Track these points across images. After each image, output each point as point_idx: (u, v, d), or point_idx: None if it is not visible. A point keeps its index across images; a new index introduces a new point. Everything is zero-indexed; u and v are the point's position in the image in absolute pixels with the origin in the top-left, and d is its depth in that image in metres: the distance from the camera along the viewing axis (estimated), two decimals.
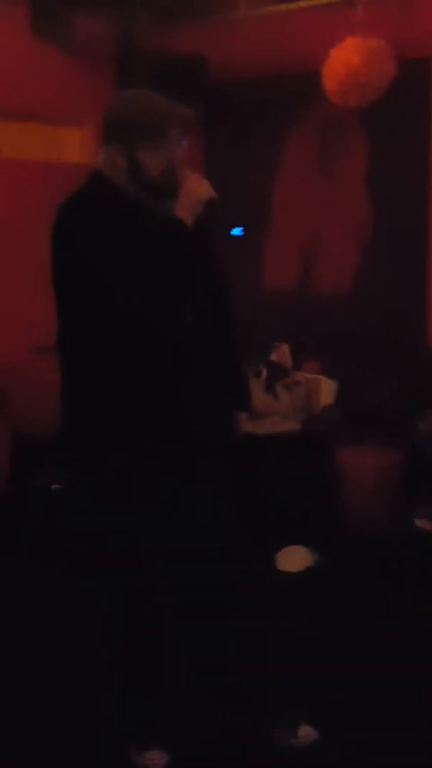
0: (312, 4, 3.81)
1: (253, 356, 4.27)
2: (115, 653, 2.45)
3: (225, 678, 2.49)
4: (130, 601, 2.38)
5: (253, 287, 4.55)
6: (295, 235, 4.47)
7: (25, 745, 2.55)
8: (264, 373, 4.23)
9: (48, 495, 4.12)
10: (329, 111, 4.04)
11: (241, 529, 2.47)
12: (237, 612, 2.44)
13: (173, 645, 2.46)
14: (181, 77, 3.75)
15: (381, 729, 2.57)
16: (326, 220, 4.38)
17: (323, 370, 4.23)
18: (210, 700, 2.52)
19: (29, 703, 2.75)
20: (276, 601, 3.27)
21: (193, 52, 4.35)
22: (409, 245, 4.08)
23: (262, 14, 3.94)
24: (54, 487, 4.13)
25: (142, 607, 2.38)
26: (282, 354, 4.39)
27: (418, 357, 4.03)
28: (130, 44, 4.50)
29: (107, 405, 2.24)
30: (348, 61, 3.56)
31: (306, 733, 2.48)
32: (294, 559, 3.69)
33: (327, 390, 4.18)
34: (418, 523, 3.55)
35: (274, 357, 4.37)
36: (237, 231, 2.36)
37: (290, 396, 4.20)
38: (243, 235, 2.34)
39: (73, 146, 4.79)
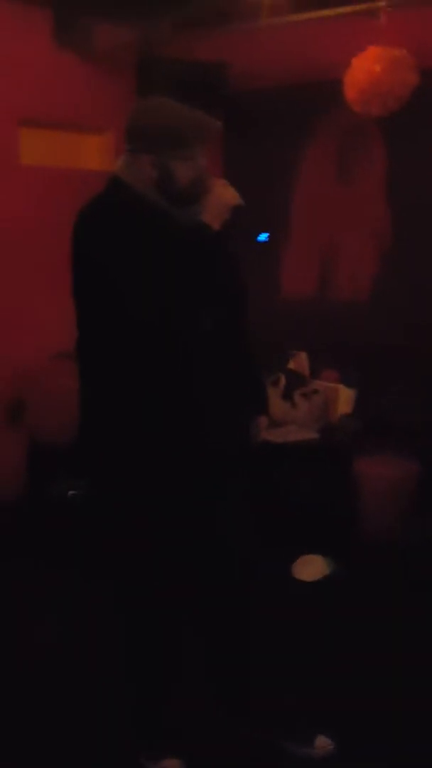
0: (334, 13, 3.80)
1: (271, 364, 4.26)
2: (132, 662, 2.44)
3: (241, 687, 2.48)
4: (147, 609, 2.37)
5: (272, 295, 4.54)
6: (314, 243, 4.46)
7: (35, 751, 2.55)
8: (282, 381, 4.22)
9: (64, 502, 4.12)
10: (350, 120, 4.04)
11: (258, 537, 2.46)
12: (253, 621, 2.43)
13: (189, 655, 2.45)
14: (202, 85, 3.76)
15: (398, 739, 2.55)
16: (345, 228, 4.37)
17: (341, 379, 4.22)
18: (226, 710, 2.51)
19: (45, 708, 2.74)
20: (292, 610, 3.26)
21: (215, 61, 4.36)
22: (428, 254, 4.06)
23: (284, 23, 3.94)
24: (70, 493, 4.14)
25: (159, 616, 2.38)
26: (300, 362, 4.38)
27: None
28: (151, 52, 4.51)
29: (126, 412, 2.24)
30: (370, 70, 3.56)
31: (323, 743, 2.47)
32: (310, 568, 3.67)
33: (345, 399, 4.16)
34: None
35: (292, 365, 4.36)
36: (263, 237, 2.35)
37: (308, 404, 4.18)
38: (267, 241, 2.34)
39: (94, 153, 4.81)
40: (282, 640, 2.67)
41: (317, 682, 2.78)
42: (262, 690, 2.49)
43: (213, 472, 2.31)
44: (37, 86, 4.39)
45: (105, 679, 2.77)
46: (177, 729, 2.47)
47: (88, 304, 2.23)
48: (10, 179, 4.37)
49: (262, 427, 2.59)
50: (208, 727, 2.54)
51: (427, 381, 3.94)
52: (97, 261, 2.16)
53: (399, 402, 3.94)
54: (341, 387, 4.19)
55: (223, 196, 2.24)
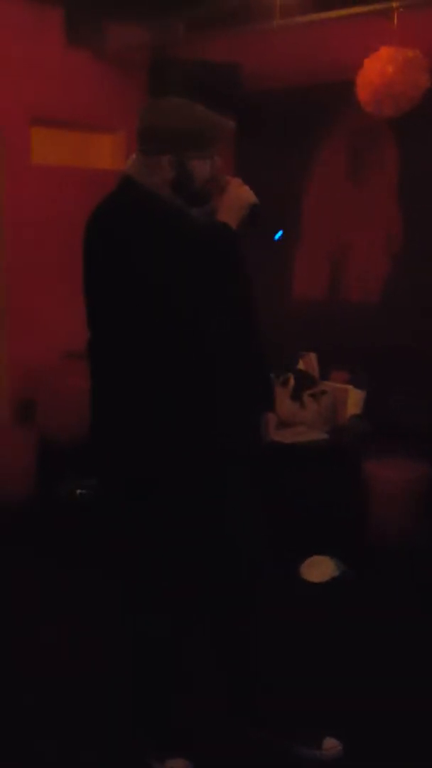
0: (346, 13, 3.80)
1: (281, 365, 4.26)
2: (140, 662, 2.44)
3: (248, 688, 2.48)
4: (155, 609, 2.37)
5: (283, 296, 4.54)
6: (326, 244, 4.46)
7: (41, 750, 2.55)
8: (291, 381, 4.21)
9: (73, 501, 4.13)
10: (361, 121, 4.03)
11: (267, 537, 2.46)
12: (262, 622, 2.43)
13: (197, 655, 2.45)
14: (214, 86, 3.76)
15: (406, 741, 2.54)
16: (357, 229, 4.37)
17: (351, 380, 4.21)
18: (233, 710, 2.51)
19: (51, 708, 2.75)
20: (300, 611, 3.26)
21: (227, 61, 4.36)
22: None
23: (297, 24, 3.94)
24: (79, 492, 4.14)
25: (168, 615, 2.38)
26: (309, 363, 4.37)
27: None
28: (163, 53, 4.52)
29: (139, 412, 2.24)
30: (383, 71, 3.55)
31: (331, 745, 2.46)
32: (319, 569, 3.67)
33: (354, 400, 4.15)
34: None
35: (301, 366, 4.36)
36: (278, 235, 2.35)
37: (317, 405, 4.18)
38: (282, 239, 2.33)
39: (105, 153, 4.82)
40: (289, 641, 2.66)
41: (325, 683, 2.77)
42: (269, 691, 2.48)
43: (224, 472, 2.31)
44: (49, 86, 4.40)
45: (113, 679, 2.77)
46: (184, 729, 2.46)
47: (103, 304, 2.23)
48: (22, 178, 4.38)
49: (271, 425, 2.59)
50: (215, 728, 2.54)
51: None
52: (114, 261, 2.15)
53: (408, 404, 3.93)
54: (350, 388, 4.18)
55: (240, 194, 2.24)
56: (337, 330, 4.36)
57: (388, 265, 4.28)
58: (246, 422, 2.40)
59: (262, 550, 2.43)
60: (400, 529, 3.63)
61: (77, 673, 2.90)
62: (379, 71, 3.56)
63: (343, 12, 3.81)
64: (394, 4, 3.63)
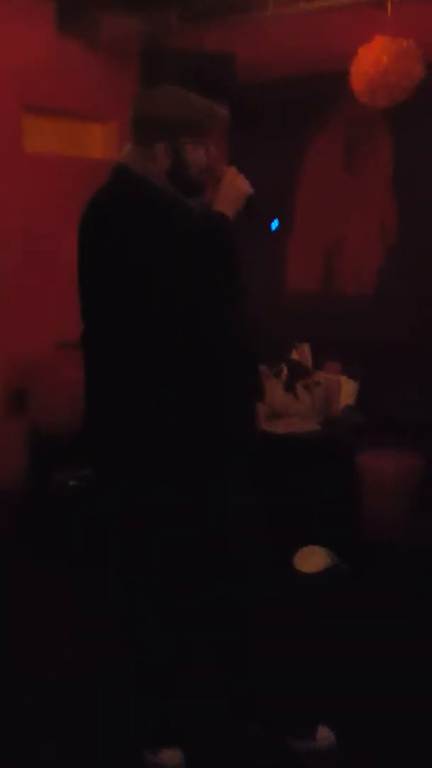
0: (340, 3, 3.78)
1: (274, 355, 4.26)
2: (134, 653, 2.44)
3: (244, 680, 2.48)
4: (151, 600, 2.37)
5: (277, 287, 4.53)
6: (320, 235, 4.45)
7: (36, 744, 2.55)
8: (284, 372, 4.21)
9: (66, 492, 4.12)
10: (356, 111, 4.02)
11: (268, 528, 2.46)
12: (259, 616, 2.43)
13: (192, 647, 2.45)
14: (208, 76, 3.74)
15: (399, 732, 2.55)
16: (351, 220, 4.36)
17: (344, 371, 4.21)
18: (228, 703, 2.51)
19: (47, 700, 2.75)
20: (293, 601, 3.26)
21: (221, 51, 4.33)
22: None
23: (291, 13, 3.92)
24: (72, 483, 4.14)
25: (163, 607, 2.37)
26: (303, 354, 4.37)
27: None
28: (156, 42, 4.49)
29: (136, 403, 2.23)
30: (377, 61, 3.53)
31: (324, 735, 2.47)
32: (312, 559, 3.67)
33: (347, 391, 4.15)
34: None
35: (294, 356, 4.35)
36: (275, 224, 2.34)
37: (310, 396, 4.18)
38: (278, 228, 2.31)
39: (97, 142, 4.80)
40: (282, 632, 2.66)
41: (317, 675, 2.78)
42: (261, 682, 2.49)
43: (223, 463, 2.30)
44: (41, 74, 4.37)
45: (105, 670, 2.77)
46: (178, 721, 2.47)
47: (99, 295, 2.21)
48: (14, 167, 4.35)
49: (261, 415, 2.59)
50: (208, 720, 2.54)
51: (430, 374, 3.93)
52: (110, 252, 2.14)
53: (402, 395, 3.93)
54: (344, 379, 4.18)
55: (237, 184, 2.23)
56: (331, 321, 4.35)
57: (382, 257, 4.27)
58: (242, 413, 2.39)
59: (261, 544, 2.43)
60: (393, 520, 3.64)
61: (73, 669, 2.90)
62: (374, 61, 3.55)
63: (337, 2, 3.79)
64: None
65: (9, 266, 4.36)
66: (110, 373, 2.27)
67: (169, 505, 2.27)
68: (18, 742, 2.56)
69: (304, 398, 4.16)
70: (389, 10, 3.65)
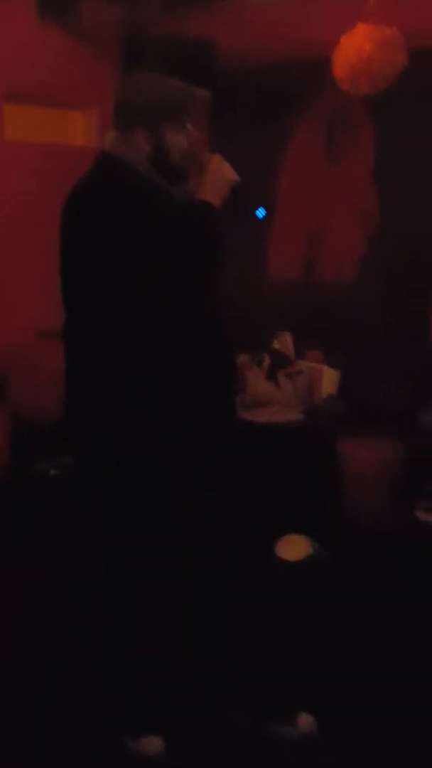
0: None
1: (256, 345, 4.25)
2: (114, 638, 2.44)
3: (224, 668, 2.49)
4: (134, 587, 2.37)
5: (258, 275, 4.52)
6: (301, 223, 4.44)
7: (22, 733, 2.55)
8: (266, 361, 4.21)
9: (47, 480, 4.11)
10: (337, 99, 4.01)
11: (249, 517, 2.47)
12: (241, 603, 2.43)
13: (174, 634, 2.45)
14: (189, 62, 3.71)
15: (380, 717, 2.57)
16: (332, 209, 4.35)
17: (326, 360, 4.21)
18: (208, 690, 2.52)
19: (27, 689, 2.74)
20: (274, 589, 3.27)
21: (202, 37, 4.31)
22: (415, 236, 4.06)
23: (274, 0, 3.90)
24: (53, 472, 4.12)
25: (145, 593, 2.37)
26: (284, 343, 4.37)
27: (421, 348, 4.01)
28: (137, 28, 4.46)
29: (120, 392, 2.22)
30: (360, 48, 3.52)
31: (305, 721, 2.48)
32: (294, 547, 3.68)
33: (329, 379, 4.15)
34: (419, 514, 3.55)
35: (276, 345, 4.35)
36: (261, 212, 2.33)
37: (292, 385, 4.18)
38: (264, 216, 2.30)
39: (78, 130, 4.77)
40: (264, 620, 2.67)
41: (298, 661, 2.79)
42: (243, 669, 2.49)
43: (207, 452, 2.30)
44: (21, 61, 4.33)
45: (83, 655, 2.77)
46: (158, 707, 2.47)
47: (81, 285, 2.20)
48: None
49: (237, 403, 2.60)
50: (189, 706, 2.55)
51: (411, 363, 3.95)
52: (93, 242, 2.12)
53: (384, 383, 3.94)
54: (325, 367, 4.18)
55: (221, 172, 2.23)
56: (313, 310, 4.35)
57: (364, 245, 4.27)
58: (225, 403, 2.39)
59: (243, 530, 2.43)
60: (374, 508, 3.65)
61: (51, 656, 2.90)
62: (357, 48, 3.53)
63: None
64: None
65: None
66: (92, 363, 2.26)
67: (153, 495, 2.26)
68: (14, 730, 2.55)
69: (286, 387, 4.16)
70: None
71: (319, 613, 3.18)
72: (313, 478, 3.76)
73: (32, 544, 3.70)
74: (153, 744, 2.42)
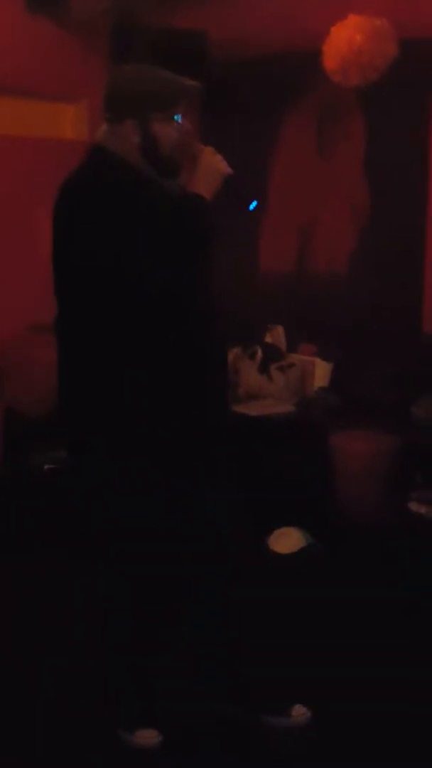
0: None
1: (248, 338, 4.25)
2: (110, 632, 2.44)
3: (220, 662, 2.49)
4: (132, 582, 2.36)
5: (249, 268, 4.52)
6: (292, 216, 4.44)
7: (20, 728, 2.55)
8: (258, 354, 4.21)
9: (40, 475, 4.10)
10: (328, 91, 4.00)
11: (244, 510, 2.47)
12: (235, 596, 2.44)
13: (169, 628, 2.45)
14: (180, 54, 3.69)
15: (373, 709, 2.58)
16: (323, 201, 4.35)
17: (318, 353, 4.22)
18: (203, 681, 2.52)
19: (22, 682, 2.74)
20: (268, 582, 3.27)
21: (193, 29, 4.29)
22: (406, 229, 4.05)
23: None
24: (47, 467, 4.12)
25: (142, 587, 2.37)
26: (277, 336, 4.37)
27: (414, 341, 4.01)
28: (127, 20, 4.43)
29: (114, 386, 2.21)
30: (350, 39, 3.51)
31: (299, 712, 2.48)
32: (287, 540, 3.69)
33: (322, 372, 4.16)
34: (412, 506, 3.56)
35: (268, 339, 4.35)
36: (252, 205, 2.32)
37: (284, 378, 4.18)
38: (256, 210, 2.29)
39: (68, 123, 4.74)
40: (257, 612, 2.68)
41: (292, 653, 2.79)
42: (237, 661, 2.50)
43: (202, 446, 2.29)
44: (10, 54, 4.30)
45: (79, 650, 2.76)
46: (153, 701, 2.47)
47: (74, 277, 2.19)
48: None
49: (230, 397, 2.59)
50: (185, 700, 2.55)
51: (403, 356, 3.95)
52: (85, 236, 2.12)
53: (376, 377, 3.95)
54: (318, 360, 4.18)
55: (214, 164, 2.22)
56: (305, 303, 4.35)
57: (356, 238, 4.27)
58: (218, 395, 2.39)
59: (239, 525, 2.43)
60: (367, 500, 3.65)
61: (46, 649, 2.89)
62: (347, 39, 3.53)
63: None
64: None
65: None
66: (84, 357, 2.25)
67: (148, 490, 2.26)
68: (10, 724, 2.54)
69: (278, 380, 4.17)
70: None
71: (313, 606, 3.19)
72: (306, 471, 3.76)
73: (26, 539, 3.69)
74: (149, 737, 2.42)
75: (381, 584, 3.33)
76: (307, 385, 4.18)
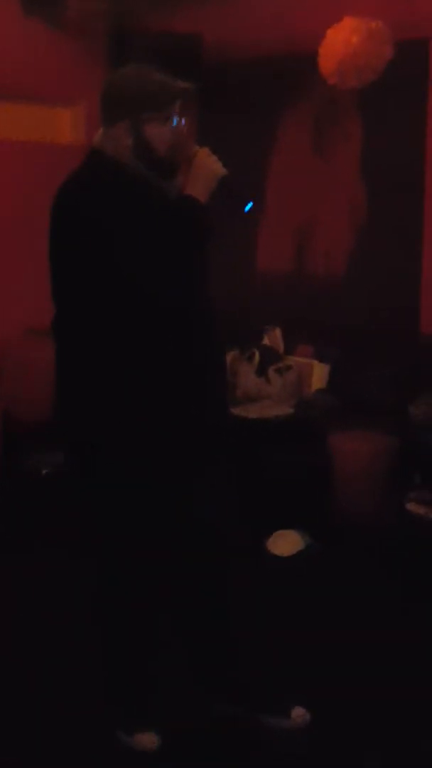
0: None
1: (246, 340, 4.26)
2: (109, 634, 2.44)
3: (218, 662, 2.49)
4: (126, 582, 2.36)
5: (247, 270, 4.52)
6: (290, 217, 4.44)
7: (19, 729, 2.54)
8: (256, 357, 4.21)
9: (38, 479, 4.10)
10: (325, 92, 4.01)
11: (238, 514, 2.47)
12: (231, 597, 2.44)
13: (167, 629, 2.45)
14: (176, 57, 3.70)
15: (372, 710, 2.58)
16: (320, 202, 4.35)
17: (316, 355, 4.22)
18: (202, 683, 2.52)
19: (22, 683, 2.74)
20: (266, 584, 3.27)
21: (189, 32, 4.30)
22: (403, 229, 4.06)
23: None
24: (44, 471, 4.12)
25: (139, 588, 2.37)
26: (274, 338, 4.37)
27: (411, 342, 4.02)
28: (124, 23, 4.44)
29: (112, 387, 2.21)
30: (347, 41, 3.52)
31: (298, 714, 2.48)
32: (285, 542, 3.69)
33: (319, 374, 4.16)
34: (410, 507, 3.56)
35: (266, 341, 4.36)
36: (249, 206, 2.31)
37: (282, 380, 4.18)
38: (252, 211, 2.28)
39: (65, 126, 4.75)
40: (256, 614, 2.68)
41: (291, 655, 2.79)
42: (236, 663, 2.50)
43: (199, 447, 2.30)
44: (6, 57, 4.31)
45: (76, 653, 2.76)
46: (152, 702, 2.47)
47: (70, 281, 2.20)
48: None
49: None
50: (183, 702, 2.54)
51: (401, 356, 3.96)
52: (81, 238, 2.12)
53: (373, 378, 3.95)
54: (315, 362, 4.19)
55: (208, 165, 2.21)
56: (302, 304, 4.36)
57: (353, 239, 4.27)
58: (216, 396, 2.39)
59: (234, 525, 2.43)
60: (366, 501, 3.66)
61: (44, 651, 2.89)
62: (344, 41, 3.54)
63: None
64: None
65: None
66: (82, 358, 2.26)
67: (147, 491, 2.26)
68: (9, 725, 2.54)
69: (276, 382, 4.17)
70: None
71: (312, 607, 3.18)
72: (304, 473, 3.76)
73: (23, 541, 3.69)
74: (148, 739, 2.41)
75: (379, 585, 3.33)
76: (304, 387, 4.19)
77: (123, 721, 2.44)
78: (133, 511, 2.28)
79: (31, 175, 4.24)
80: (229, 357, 4.04)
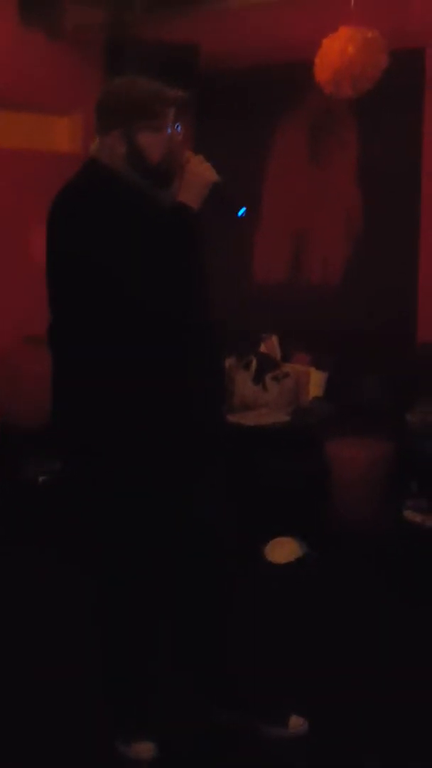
0: None
1: (243, 348, 4.26)
2: (107, 641, 2.43)
3: (216, 671, 2.48)
4: (125, 590, 2.36)
5: (243, 278, 4.53)
6: (286, 225, 4.46)
7: (16, 739, 2.54)
8: (253, 364, 4.22)
9: (35, 486, 4.10)
10: (321, 101, 4.03)
11: (235, 521, 2.47)
12: (231, 604, 2.44)
13: (164, 637, 2.45)
14: (172, 66, 3.72)
15: (370, 718, 2.58)
16: (317, 210, 4.37)
17: (313, 362, 4.23)
18: (199, 692, 2.52)
19: (19, 693, 2.73)
20: (264, 592, 3.27)
21: (185, 41, 4.32)
22: (399, 237, 4.07)
23: (255, 3, 3.92)
24: (41, 479, 4.11)
25: (138, 596, 2.37)
26: (271, 346, 4.38)
27: (408, 349, 4.03)
28: (120, 32, 4.46)
29: (108, 396, 2.21)
30: (342, 51, 3.54)
31: (296, 723, 2.48)
32: (283, 550, 3.69)
33: (316, 382, 4.17)
34: (407, 515, 3.56)
35: (263, 348, 4.36)
36: (241, 212, 2.31)
37: (279, 388, 4.19)
38: (245, 216, 2.28)
39: (62, 135, 4.76)
40: (253, 622, 2.68)
41: (289, 663, 2.79)
42: (234, 672, 2.49)
43: (196, 452, 2.30)
44: (3, 67, 4.32)
45: (76, 660, 2.76)
46: (151, 711, 2.46)
47: (68, 286, 2.20)
48: None
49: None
50: (181, 711, 2.54)
51: (397, 364, 3.97)
52: (75, 247, 2.13)
53: (370, 385, 3.96)
54: (312, 370, 4.20)
55: (200, 172, 2.22)
56: (299, 312, 4.37)
57: (349, 247, 4.29)
58: (213, 405, 2.39)
59: (230, 533, 2.43)
60: (363, 508, 3.66)
61: (40, 661, 2.89)
62: (339, 51, 3.55)
63: None
64: None
65: None
66: (79, 366, 2.26)
67: (144, 499, 2.26)
68: (8, 732, 2.53)
69: (274, 390, 4.18)
70: (352, 0, 3.66)
71: (309, 614, 3.18)
72: (302, 480, 3.77)
73: (20, 549, 3.68)
74: (145, 750, 2.41)
75: (377, 592, 3.33)
76: (301, 394, 4.20)
77: (121, 731, 2.44)
78: (133, 517, 2.28)
79: (27, 183, 4.25)
80: (226, 364, 4.05)
